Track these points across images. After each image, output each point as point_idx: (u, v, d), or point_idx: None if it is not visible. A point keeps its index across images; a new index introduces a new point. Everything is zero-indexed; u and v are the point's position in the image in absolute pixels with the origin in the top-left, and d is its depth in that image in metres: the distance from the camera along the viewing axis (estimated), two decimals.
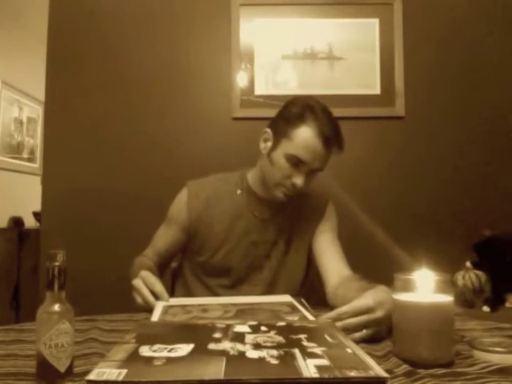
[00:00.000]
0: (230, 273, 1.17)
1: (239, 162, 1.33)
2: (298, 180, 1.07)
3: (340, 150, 1.10)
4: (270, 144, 1.13)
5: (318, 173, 1.12)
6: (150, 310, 0.91)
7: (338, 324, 0.73)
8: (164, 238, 1.22)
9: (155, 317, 0.84)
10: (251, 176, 1.21)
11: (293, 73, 1.89)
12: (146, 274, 0.98)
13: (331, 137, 1.06)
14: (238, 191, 1.20)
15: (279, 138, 1.10)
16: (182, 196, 1.21)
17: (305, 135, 1.05)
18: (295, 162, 1.06)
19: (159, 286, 0.96)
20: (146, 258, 1.18)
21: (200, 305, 0.94)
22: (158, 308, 0.89)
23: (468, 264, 1.21)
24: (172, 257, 1.26)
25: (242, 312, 0.87)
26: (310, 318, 0.82)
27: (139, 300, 0.95)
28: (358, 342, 0.70)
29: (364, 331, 0.74)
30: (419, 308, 0.64)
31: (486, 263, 1.19)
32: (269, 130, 1.14)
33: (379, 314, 0.74)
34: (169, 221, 1.23)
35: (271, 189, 1.13)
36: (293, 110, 1.09)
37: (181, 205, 1.20)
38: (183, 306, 0.92)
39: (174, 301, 0.98)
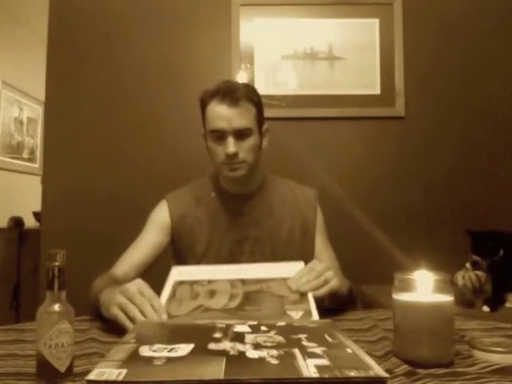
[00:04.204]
0: None
1: None
2: (228, 148, 1.08)
3: (249, 98, 1.12)
4: (205, 141, 1.18)
5: (249, 134, 1.11)
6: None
7: (298, 286, 0.87)
8: (143, 246, 1.15)
9: (164, 297, 0.85)
10: (218, 175, 1.23)
11: (293, 73, 1.89)
12: (135, 286, 0.81)
13: (230, 92, 1.09)
14: (213, 194, 1.22)
15: (204, 129, 1.16)
16: (162, 205, 1.22)
17: (211, 109, 1.11)
18: (218, 135, 1.10)
19: (157, 302, 0.80)
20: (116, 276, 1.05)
21: (209, 281, 0.92)
22: (168, 288, 0.89)
23: (467, 265, 1.21)
24: (150, 269, 1.15)
25: (248, 299, 0.85)
26: (314, 312, 0.80)
27: (127, 323, 0.76)
28: (322, 297, 0.87)
29: (322, 289, 0.88)
30: (419, 308, 0.64)
31: (485, 255, 1.19)
32: (202, 129, 1.19)
33: (320, 266, 0.92)
34: (148, 227, 1.19)
35: (222, 174, 1.15)
36: (204, 98, 1.14)
37: (162, 211, 1.21)
38: (191, 285, 0.91)
39: (184, 273, 0.97)
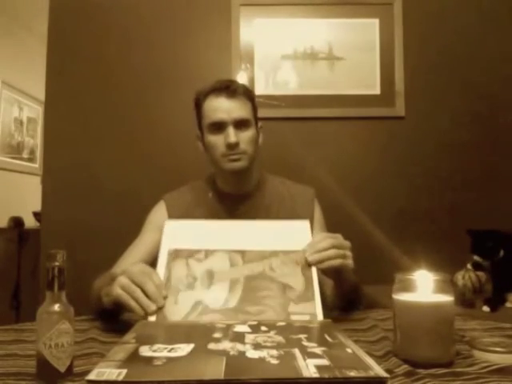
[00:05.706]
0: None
1: None
2: (229, 137, 1.09)
3: (245, 92, 1.14)
4: (201, 142, 1.19)
5: (248, 125, 1.13)
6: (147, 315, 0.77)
7: (315, 255, 0.85)
8: (142, 247, 1.16)
9: (161, 272, 0.85)
10: (215, 176, 1.24)
11: (293, 73, 1.89)
12: (137, 267, 0.84)
13: (226, 86, 1.12)
14: (210, 194, 1.22)
15: (201, 127, 1.17)
16: (160, 206, 1.23)
17: (208, 104, 1.13)
18: (217, 127, 1.11)
19: (157, 278, 0.82)
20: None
21: (206, 254, 0.89)
22: (163, 258, 0.88)
23: (469, 266, 1.21)
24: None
25: (250, 291, 0.82)
26: (320, 315, 0.78)
27: (133, 304, 0.77)
28: (337, 268, 0.86)
29: (337, 260, 0.86)
30: (419, 308, 0.64)
31: (485, 255, 1.18)
32: (197, 131, 1.20)
33: (339, 236, 0.90)
34: (147, 228, 1.20)
35: (222, 168, 1.14)
36: (199, 96, 1.15)
37: (160, 212, 1.21)
38: (187, 260, 0.88)
39: (178, 231, 0.95)
